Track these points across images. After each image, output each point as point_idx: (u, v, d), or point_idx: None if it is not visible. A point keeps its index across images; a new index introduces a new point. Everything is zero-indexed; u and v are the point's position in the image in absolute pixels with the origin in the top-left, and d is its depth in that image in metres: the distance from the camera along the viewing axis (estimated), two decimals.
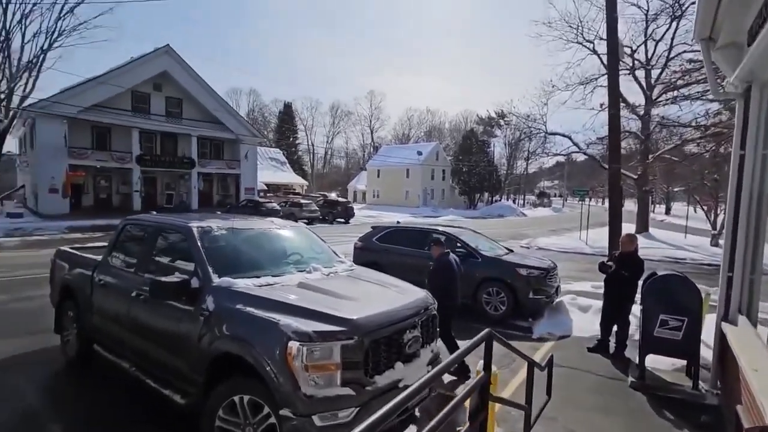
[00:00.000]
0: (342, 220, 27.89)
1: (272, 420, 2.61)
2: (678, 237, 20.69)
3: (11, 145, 31.21)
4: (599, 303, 5.98)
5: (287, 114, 67.30)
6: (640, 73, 20.59)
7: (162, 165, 28.37)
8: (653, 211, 41.99)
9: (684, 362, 4.70)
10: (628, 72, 19.93)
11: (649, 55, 20.55)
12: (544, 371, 3.40)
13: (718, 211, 21.08)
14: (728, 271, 3.97)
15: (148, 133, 27.97)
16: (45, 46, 23.62)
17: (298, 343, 2.54)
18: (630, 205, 34.14)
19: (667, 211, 51.59)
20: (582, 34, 20.13)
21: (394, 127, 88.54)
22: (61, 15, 23.70)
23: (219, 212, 15.88)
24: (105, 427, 3.41)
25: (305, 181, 52.15)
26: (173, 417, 3.41)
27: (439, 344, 3.84)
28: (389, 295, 3.48)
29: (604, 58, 16.06)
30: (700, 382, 4.34)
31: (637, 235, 6.02)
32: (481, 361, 2.33)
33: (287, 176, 47.38)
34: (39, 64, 23.77)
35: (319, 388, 2.56)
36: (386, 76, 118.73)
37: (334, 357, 2.61)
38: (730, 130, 11.35)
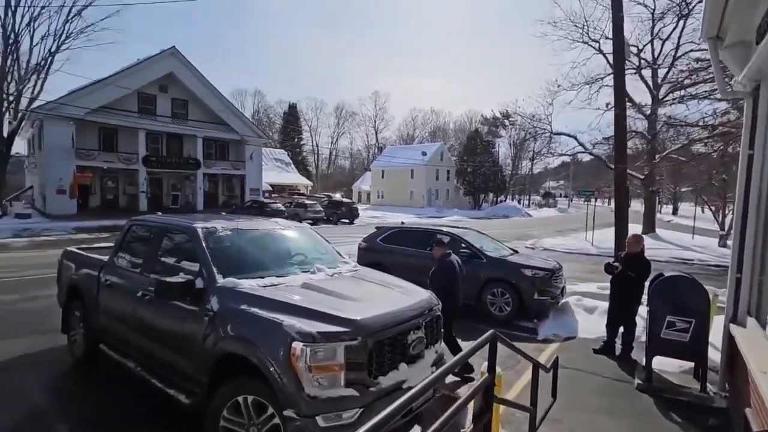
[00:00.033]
0: (346, 220, 27.91)
1: (276, 420, 2.62)
2: (685, 238, 20.49)
3: (20, 146, 31.65)
4: (605, 304, 5.94)
5: (292, 115, 67.53)
6: (647, 73, 20.47)
7: (168, 166, 28.58)
8: (660, 212, 41.67)
9: (692, 364, 4.65)
10: (634, 71, 19.80)
11: (656, 54, 20.43)
12: (549, 373, 3.38)
13: (726, 212, 20.86)
14: (737, 272, 3.92)
15: (154, 135, 28.21)
16: (53, 49, 23.94)
17: (301, 344, 2.54)
18: (636, 206, 33.87)
19: (675, 212, 51.17)
20: (587, 34, 20.07)
21: (399, 128, 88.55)
22: (69, 17, 24.02)
23: (224, 213, 15.96)
24: (111, 427, 3.43)
25: (310, 182, 52.28)
26: (178, 417, 3.43)
27: (443, 345, 3.83)
28: (393, 296, 3.47)
29: (610, 58, 15.94)
30: (708, 384, 4.29)
31: (644, 236, 5.95)
32: (486, 363, 2.32)
33: (292, 177, 47.52)
34: (47, 66, 24.08)
35: (322, 389, 2.56)
36: (390, 76, 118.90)
37: (338, 358, 2.61)
38: (738, 130, 11.23)
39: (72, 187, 23.84)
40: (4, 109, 23.00)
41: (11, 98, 23.20)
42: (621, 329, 5.39)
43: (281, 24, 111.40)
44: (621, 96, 9.11)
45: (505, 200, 56.97)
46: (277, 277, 3.45)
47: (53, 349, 4.95)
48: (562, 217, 45.19)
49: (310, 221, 22.55)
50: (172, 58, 27.68)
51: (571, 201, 69.52)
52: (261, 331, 2.75)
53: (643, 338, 4.90)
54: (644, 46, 20.46)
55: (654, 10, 19.43)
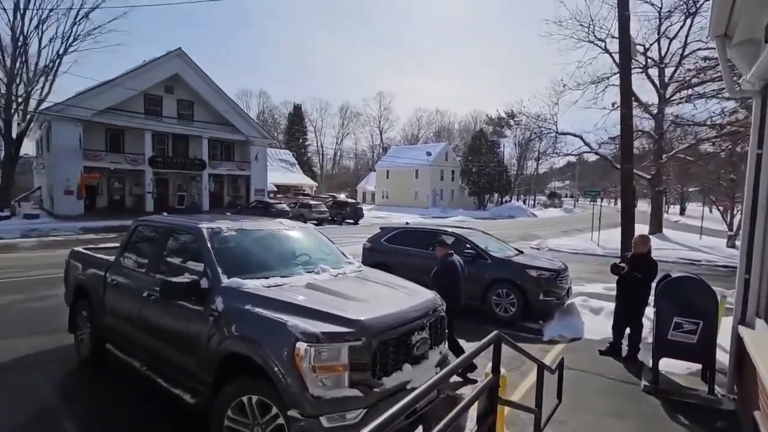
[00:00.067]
0: (351, 221, 27.94)
1: (280, 420, 2.62)
2: (693, 238, 20.30)
3: (28, 147, 32.10)
4: (611, 305, 5.89)
5: (297, 115, 67.77)
6: (654, 72, 20.29)
7: (174, 166, 28.77)
8: (667, 212, 41.27)
9: (699, 366, 4.60)
10: (641, 70, 19.65)
11: (663, 53, 20.24)
12: (555, 374, 3.36)
13: (735, 212, 20.63)
14: (745, 273, 3.88)
15: (161, 135, 28.41)
16: (61, 51, 24.27)
17: (305, 344, 2.54)
18: (643, 206, 33.63)
19: (682, 212, 50.71)
20: (593, 33, 19.93)
21: (403, 128, 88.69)
22: (77, 20, 24.35)
23: (229, 213, 16.05)
24: (118, 426, 3.46)
25: (314, 182, 52.41)
26: (184, 416, 3.45)
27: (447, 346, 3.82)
28: (397, 297, 3.47)
29: (616, 57, 15.83)
30: (716, 386, 4.24)
31: (651, 236, 5.92)
32: (490, 364, 2.31)
33: (297, 177, 47.67)
34: (55, 68, 24.43)
35: (326, 389, 2.56)
36: (395, 76, 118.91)
37: (342, 358, 2.61)
38: (746, 129, 11.09)
39: (79, 187, 24.07)
40: (13, 110, 23.33)
41: (20, 100, 23.51)
42: (627, 330, 5.35)
43: (286, 25, 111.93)
44: (627, 95, 9.03)
45: (510, 200, 56.76)
46: (281, 277, 3.46)
47: (61, 348, 5.00)
48: (567, 218, 44.94)
49: (314, 221, 22.61)
50: (178, 60, 27.87)
51: (577, 201, 69.09)
52: (265, 331, 2.75)
53: (650, 340, 4.85)
54: (651, 44, 20.31)
55: (661, 8, 19.29)
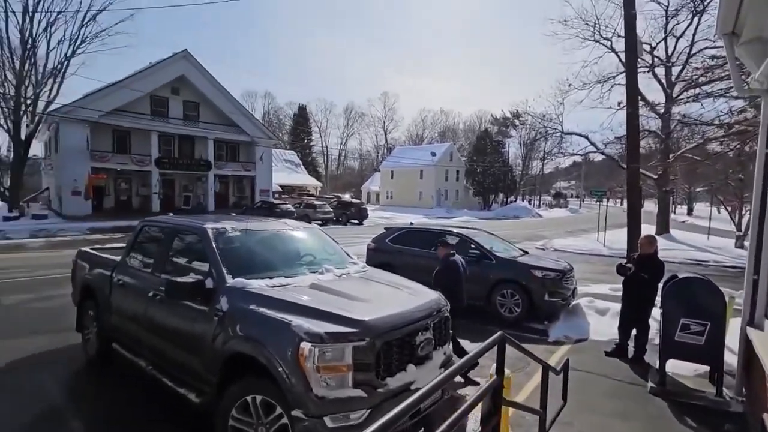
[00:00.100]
0: (356, 221, 27.97)
1: (284, 420, 2.63)
2: (700, 238, 20.10)
3: (37, 148, 32.39)
4: (617, 306, 5.84)
5: (301, 116, 67.98)
6: (660, 71, 20.09)
7: (180, 167, 28.98)
8: (674, 212, 40.91)
9: (707, 368, 4.55)
10: (647, 69, 19.47)
11: (670, 52, 20.06)
12: (560, 375, 3.34)
13: (743, 212, 20.40)
14: (753, 274, 3.83)
15: (167, 136, 28.63)
16: (69, 53, 24.53)
17: (309, 344, 2.55)
18: (650, 206, 33.33)
19: (689, 212, 50.24)
20: (599, 32, 19.77)
21: (408, 128, 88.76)
22: (84, 22, 24.59)
23: (234, 213, 16.14)
24: (124, 426, 3.48)
25: (319, 183, 52.52)
26: (189, 416, 3.46)
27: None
28: (401, 297, 3.46)
29: (622, 56, 15.71)
30: (724, 388, 4.19)
31: (657, 237, 5.86)
32: (494, 365, 2.30)
33: (301, 178, 47.80)
34: (63, 70, 24.70)
35: (330, 390, 2.56)
36: (400, 77, 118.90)
37: (346, 358, 2.61)
38: (755, 128, 10.97)
39: (87, 188, 24.31)
40: (22, 112, 23.61)
41: (29, 102, 23.79)
42: (634, 332, 5.30)
43: (291, 26, 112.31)
44: (633, 94, 8.97)
45: (515, 201, 56.51)
46: (285, 277, 3.47)
47: (68, 348, 5.05)
48: (573, 218, 44.67)
49: (319, 222, 22.65)
50: (184, 61, 28.06)
51: (583, 201, 68.69)
52: (269, 331, 2.76)
53: (657, 341, 4.81)
54: (657, 43, 20.12)
55: (667, 6, 19.10)
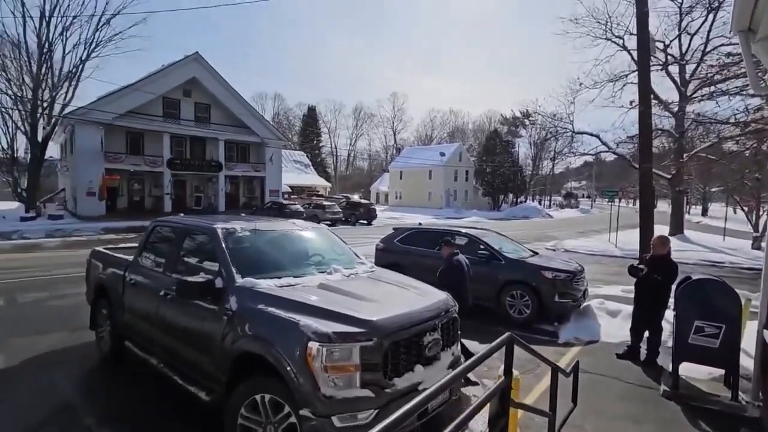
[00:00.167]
0: (364, 221, 28.00)
1: (293, 419, 2.64)
2: (716, 239, 19.71)
3: (53, 150, 33.07)
4: (629, 308, 5.75)
5: (311, 117, 68.37)
6: (674, 69, 19.76)
7: (191, 168, 29.35)
8: (689, 213, 40.16)
9: (722, 371, 4.45)
10: (660, 68, 19.17)
11: (684, 50, 19.72)
12: (570, 377, 3.30)
13: (761, 212, 19.95)
14: None
15: (178, 138, 29.03)
16: (84, 57, 24.99)
17: (317, 344, 2.56)
18: (663, 206, 32.79)
19: (704, 213, 49.30)
20: (611, 30, 19.50)
21: (417, 129, 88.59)
22: (99, 26, 25.03)
23: (244, 214, 16.28)
24: (136, 423, 3.53)
25: (328, 183, 52.73)
26: (200, 414, 3.50)
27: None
28: (409, 297, 3.46)
29: (635, 54, 15.49)
30: (740, 392, 4.10)
31: (671, 238, 5.76)
32: (502, 366, 2.29)
33: (311, 178, 48.05)
34: (78, 73, 25.18)
35: (338, 389, 2.57)
36: (409, 77, 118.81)
37: (354, 358, 2.62)
38: None
39: (101, 189, 24.76)
40: (38, 115, 24.13)
41: (45, 105, 24.31)
42: (646, 334, 5.22)
43: (301, 28, 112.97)
44: (646, 93, 8.85)
45: (525, 201, 56.05)
46: (294, 277, 3.49)
47: (82, 345, 5.14)
48: (584, 218, 44.14)
49: (328, 222, 22.74)
50: (196, 64, 28.43)
51: (594, 202, 67.83)
52: (278, 331, 2.78)
53: (669, 343, 4.73)
54: (671, 41, 19.79)
55: (681, 3, 18.76)
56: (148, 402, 3.87)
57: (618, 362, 5.16)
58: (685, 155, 18.91)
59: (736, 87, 15.12)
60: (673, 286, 4.88)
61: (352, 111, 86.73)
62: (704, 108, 19.96)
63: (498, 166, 50.26)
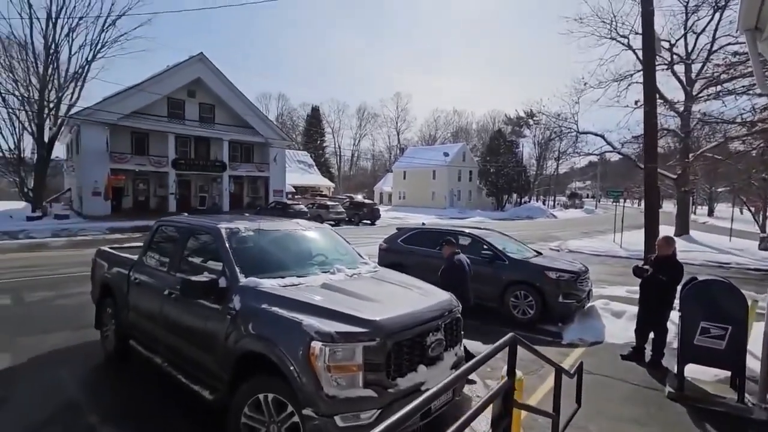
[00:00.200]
0: (368, 221, 28.02)
1: (296, 419, 2.64)
2: (722, 240, 19.54)
3: (59, 150, 33.32)
4: (634, 308, 5.72)
5: (315, 117, 68.47)
6: (679, 68, 19.60)
7: (196, 168, 29.49)
8: (694, 213, 39.87)
9: (728, 373, 4.42)
10: (666, 67, 19.01)
11: (690, 49, 19.56)
12: (574, 378, 3.29)
13: (767, 213, 19.76)
14: None
15: (183, 138, 29.17)
16: (89, 58, 25.17)
17: (320, 344, 2.56)
18: (669, 207, 32.58)
19: (710, 213, 48.94)
20: (616, 29, 19.36)
21: (421, 129, 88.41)
22: (104, 27, 25.19)
23: (248, 214, 16.36)
24: (140, 421, 3.55)
25: (332, 183, 52.78)
26: (204, 412, 3.51)
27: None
28: (412, 297, 3.46)
29: (640, 53, 15.40)
30: (746, 394, 4.06)
31: (677, 238, 5.71)
32: (506, 366, 2.28)
33: (314, 178, 48.11)
34: (84, 74, 25.34)
35: (341, 389, 2.57)
36: (412, 77, 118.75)
37: (357, 358, 2.62)
38: None
39: (106, 189, 24.92)
40: (45, 115, 24.32)
41: (51, 105, 24.50)
42: (651, 335, 5.18)
43: (304, 28, 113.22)
44: (651, 93, 8.78)
45: (529, 201, 55.87)
46: (297, 277, 3.49)
47: (87, 344, 5.18)
48: (588, 219, 43.94)
49: (331, 222, 22.76)
50: (200, 64, 28.57)
51: (599, 202, 67.48)
52: (281, 330, 2.78)
53: (675, 345, 4.69)
54: (677, 40, 19.64)
55: (687, 2, 18.61)
56: (152, 400, 3.89)
57: (622, 363, 5.13)
58: (690, 155, 18.76)
59: (743, 86, 14.99)
60: (679, 287, 4.84)
61: (355, 111, 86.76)
62: (710, 107, 19.87)
63: (502, 166, 50.10)
